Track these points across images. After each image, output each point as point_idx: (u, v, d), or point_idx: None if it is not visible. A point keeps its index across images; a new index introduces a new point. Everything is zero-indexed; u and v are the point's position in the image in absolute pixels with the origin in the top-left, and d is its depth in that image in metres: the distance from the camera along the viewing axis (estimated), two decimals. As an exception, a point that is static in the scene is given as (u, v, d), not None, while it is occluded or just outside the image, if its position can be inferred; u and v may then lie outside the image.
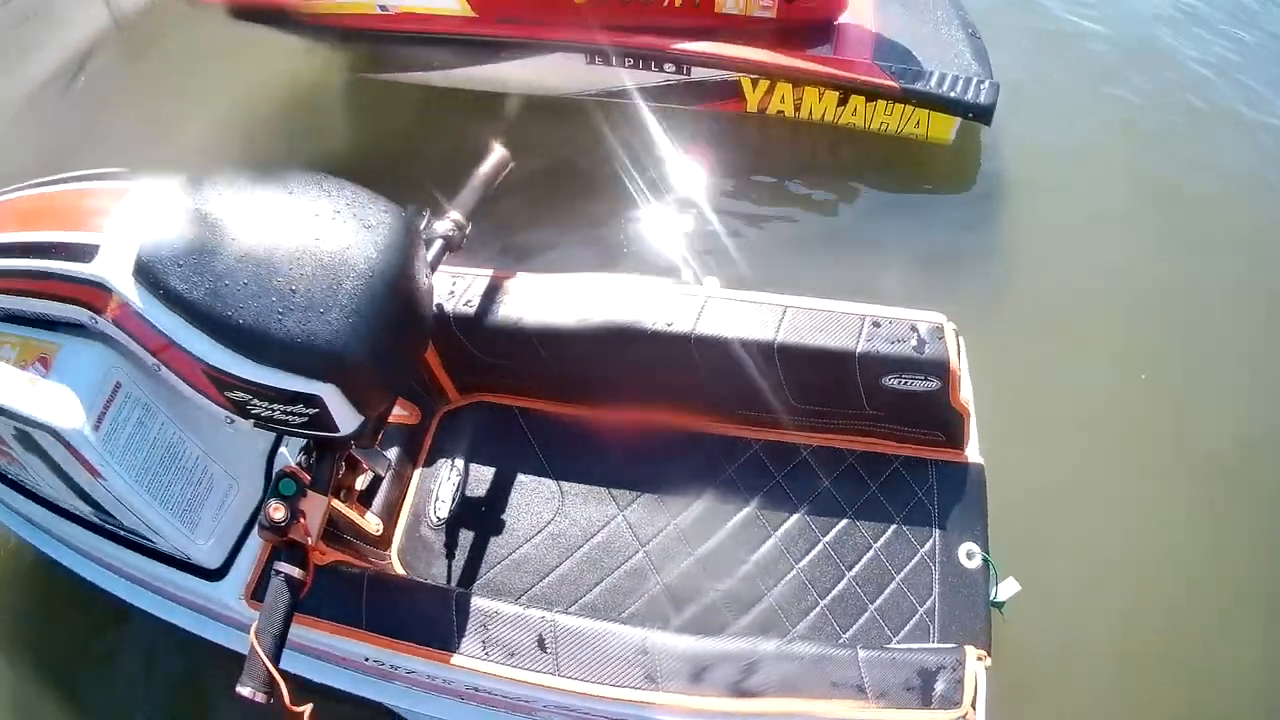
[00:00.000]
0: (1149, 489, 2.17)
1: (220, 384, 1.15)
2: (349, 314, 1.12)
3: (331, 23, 2.84)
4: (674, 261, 2.41)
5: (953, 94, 2.53)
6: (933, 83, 2.55)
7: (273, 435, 1.46)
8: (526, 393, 1.66)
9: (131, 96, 4.13)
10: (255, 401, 1.16)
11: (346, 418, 1.19)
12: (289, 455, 1.43)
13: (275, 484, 1.18)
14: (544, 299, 1.58)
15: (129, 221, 1.20)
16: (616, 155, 2.71)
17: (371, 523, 1.58)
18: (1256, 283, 2.59)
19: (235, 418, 1.20)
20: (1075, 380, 2.36)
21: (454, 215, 1.45)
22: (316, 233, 1.16)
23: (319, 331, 1.11)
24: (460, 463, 1.58)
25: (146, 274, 1.13)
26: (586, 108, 2.89)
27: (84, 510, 1.41)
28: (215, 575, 1.39)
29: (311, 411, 1.16)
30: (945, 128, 2.61)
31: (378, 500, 1.62)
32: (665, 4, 2.71)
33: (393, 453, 1.61)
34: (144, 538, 1.39)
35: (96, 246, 1.18)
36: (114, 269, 1.16)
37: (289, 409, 1.16)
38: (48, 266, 1.20)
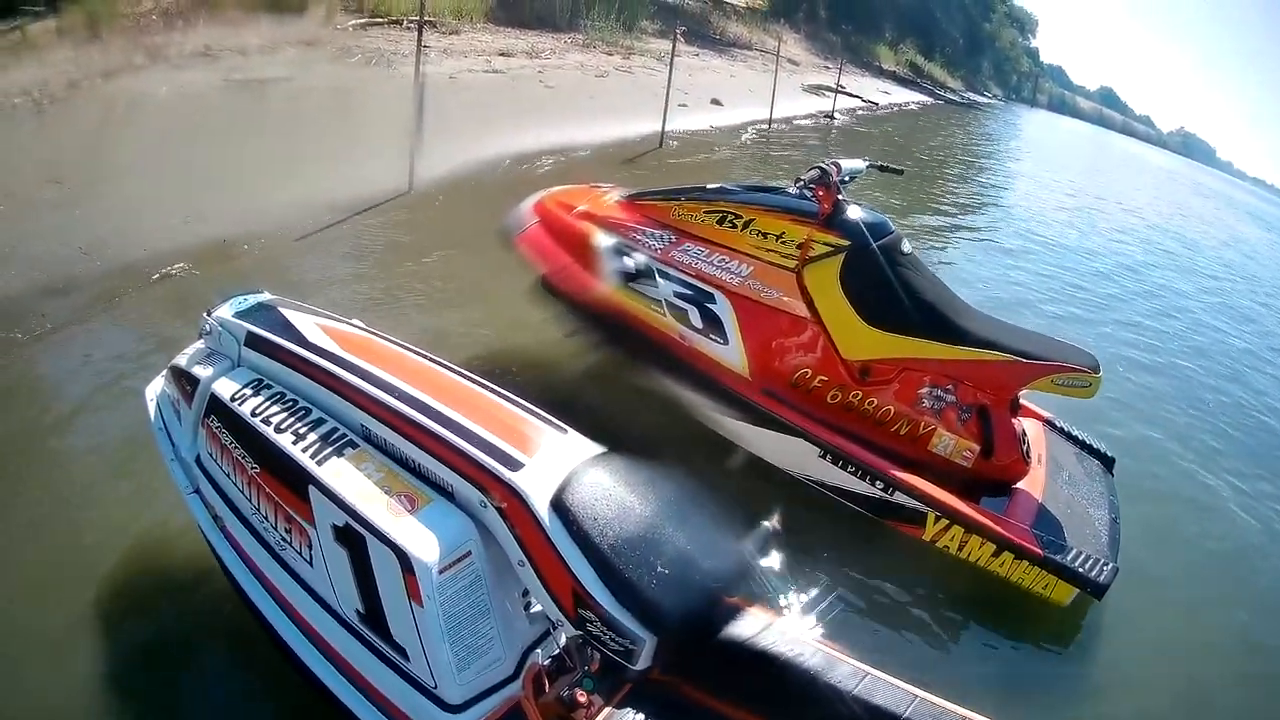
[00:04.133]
0: None
1: (580, 601, 1.49)
2: (692, 603, 1.55)
3: (633, 324, 3.31)
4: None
5: (1080, 569, 2.77)
6: (1068, 557, 2.80)
7: (534, 633, 1.72)
8: (718, 698, 1.70)
9: (398, 249, 5.05)
10: (597, 622, 1.48)
11: (643, 659, 1.48)
12: (540, 654, 1.68)
13: (581, 678, 1.56)
14: (791, 649, 1.68)
15: (552, 459, 1.62)
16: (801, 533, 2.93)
17: None
18: None
19: (564, 621, 1.53)
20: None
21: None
22: (686, 537, 1.60)
23: (669, 604, 1.49)
24: None
25: (564, 509, 1.53)
26: (797, 486, 3.21)
27: (349, 608, 1.66)
28: (452, 710, 1.59)
29: (629, 646, 1.47)
30: (1065, 593, 2.83)
31: None
32: (892, 430, 3.15)
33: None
34: (400, 653, 1.61)
35: (522, 464, 1.58)
36: (534, 489, 1.54)
37: (615, 637, 1.48)
38: (476, 455, 1.59)
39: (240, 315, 1.99)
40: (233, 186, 5.19)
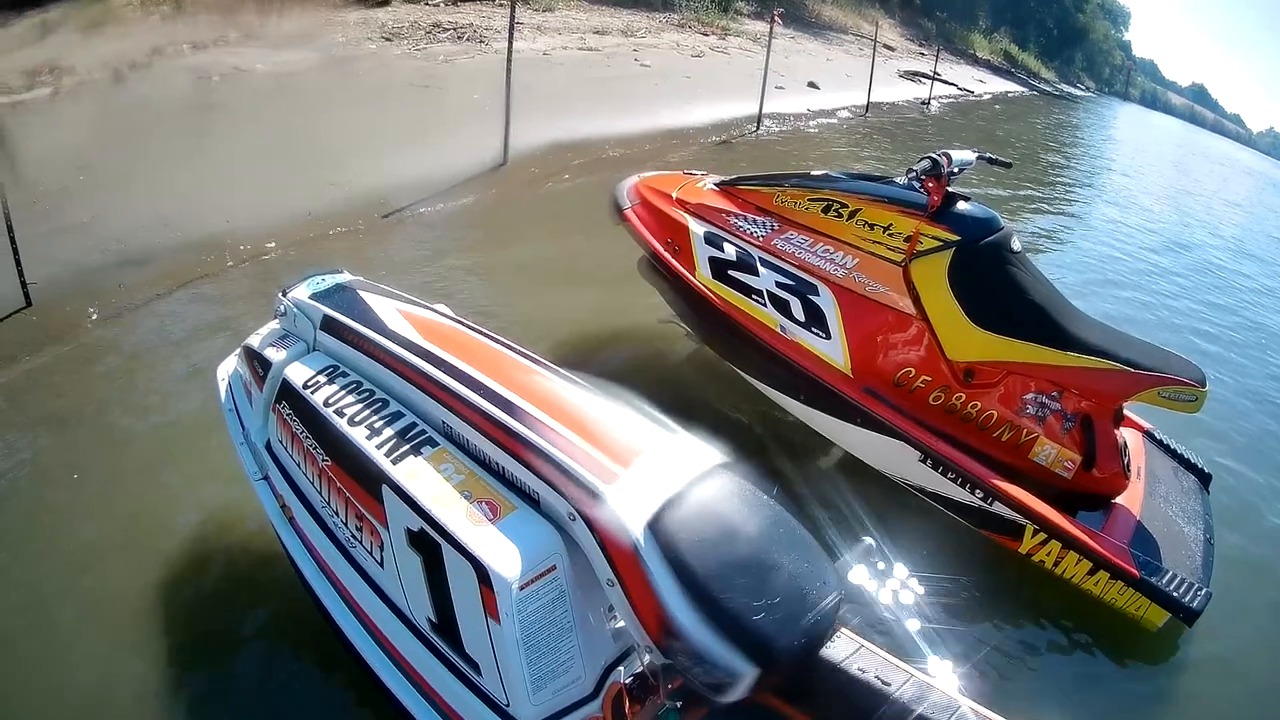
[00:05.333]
0: None
1: (668, 631, 1.33)
2: (800, 636, 1.38)
3: (730, 315, 3.15)
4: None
5: (1175, 593, 2.61)
6: (1164, 580, 2.65)
7: (617, 649, 1.55)
8: (802, 713, 1.58)
9: (491, 226, 4.96)
10: (688, 654, 1.33)
11: (736, 693, 1.34)
12: (622, 672, 1.51)
13: (665, 710, 1.43)
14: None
15: (651, 471, 1.45)
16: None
17: None
18: None
19: (652, 648, 1.37)
20: None
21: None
22: (795, 569, 1.44)
23: (781, 639, 1.35)
24: None
25: (661, 530, 1.37)
26: (891, 485, 3.08)
27: (420, 615, 1.53)
28: None
29: (724, 680, 1.33)
30: (1158, 616, 2.66)
31: None
32: (994, 436, 2.99)
33: None
34: (472, 667, 1.47)
35: (618, 476, 1.42)
36: (628, 506, 1.38)
37: (708, 670, 1.33)
38: (566, 464, 1.42)
39: (316, 297, 1.91)
40: (322, 162, 5.09)
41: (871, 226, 3.00)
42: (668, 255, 3.25)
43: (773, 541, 1.47)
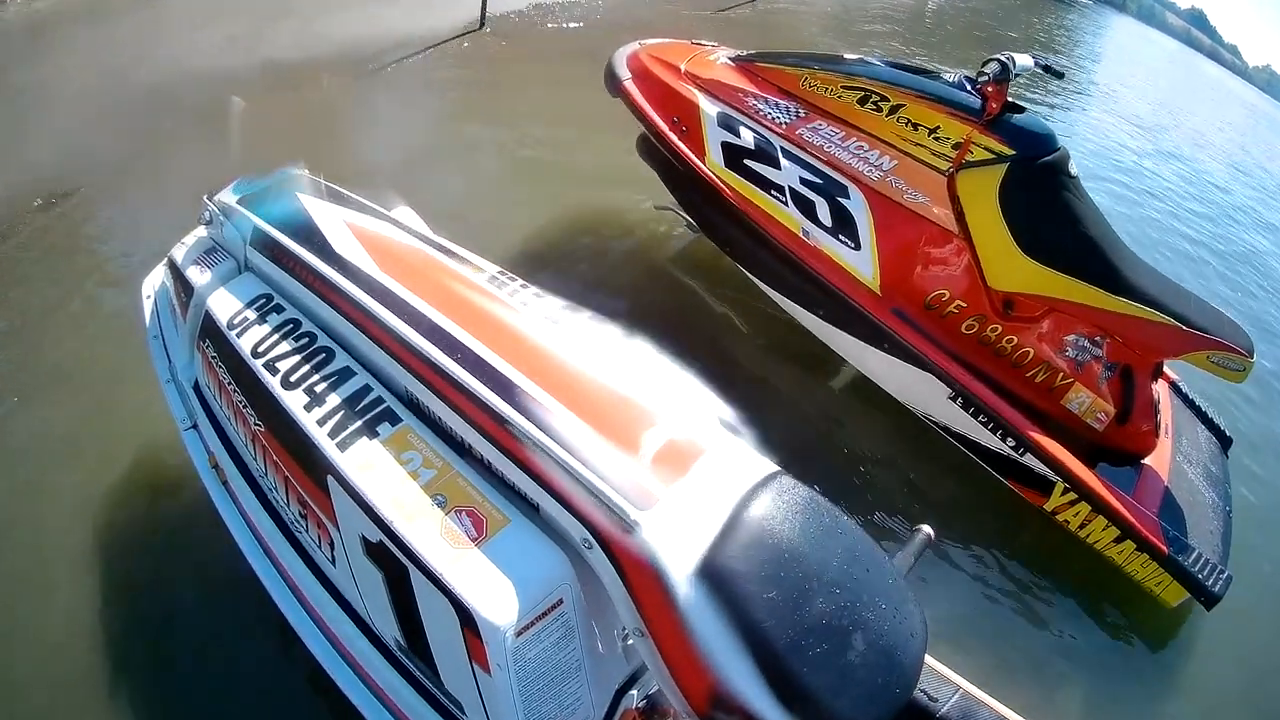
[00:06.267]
0: None
1: (718, 704, 1.00)
2: (885, 710, 1.06)
3: (744, 211, 2.80)
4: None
5: (1200, 574, 2.46)
6: (1190, 559, 2.49)
7: (629, 670, 1.25)
8: None
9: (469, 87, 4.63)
10: None
11: None
12: (635, 696, 1.24)
13: None
14: None
15: (702, 492, 1.08)
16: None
17: None
18: None
19: (692, 714, 1.03)
20: None
21: None
22: (881, 622, 1.10)
23: (860, 717, 1.02)
24: None
25: (721, 582, 1.01)
26: (910, 418, 2.88)
27: (385, 633, 1.21)
28: None
29: None
30: (1177, 595, 2.53)
31: None
32: (1028, 376, 2.74)
33: None
34: (454, 704, 1.16)
35: (655, 500, 1.05)
36: (670, 545, 1.02)
37: None
38: (584, 476, 1.05)
39: (247, 202, 1.50)
40: (292, 12, 4.83)
41: (915, 126, 2.69)
42: (673, 136, 2.89)
43: (856, 587, 1.11)
